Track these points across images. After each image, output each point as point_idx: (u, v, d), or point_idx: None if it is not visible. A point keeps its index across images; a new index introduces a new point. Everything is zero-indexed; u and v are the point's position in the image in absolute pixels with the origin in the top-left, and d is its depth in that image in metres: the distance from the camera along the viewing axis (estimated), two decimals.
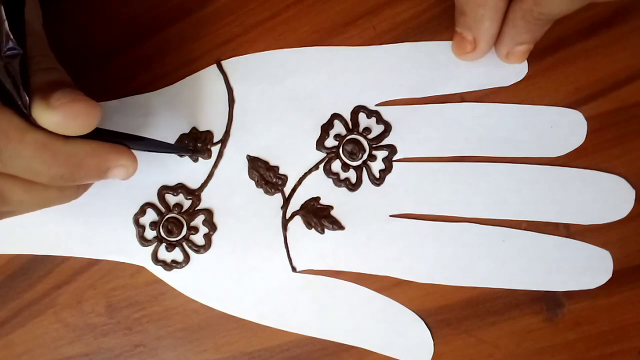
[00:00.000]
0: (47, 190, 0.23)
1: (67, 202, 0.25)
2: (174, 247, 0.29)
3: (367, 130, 0.28)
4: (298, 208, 0.28)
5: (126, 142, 0.24)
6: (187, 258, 0.29)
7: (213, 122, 0.29)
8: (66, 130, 0.21)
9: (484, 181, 0.28)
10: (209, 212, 0.29)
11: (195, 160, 0.29)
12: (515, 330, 0.28)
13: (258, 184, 0.29)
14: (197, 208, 0.29)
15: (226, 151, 0.29)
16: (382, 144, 0.28)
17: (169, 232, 0.29)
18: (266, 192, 0.29)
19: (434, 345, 0.28)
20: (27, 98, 0.20)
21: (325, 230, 0.28)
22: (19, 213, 0.24)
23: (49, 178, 0.22)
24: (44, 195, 0.23)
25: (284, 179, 0.29)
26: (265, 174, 0.29)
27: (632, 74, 0.27)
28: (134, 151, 0.24)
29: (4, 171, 0.21)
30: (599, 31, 0.27)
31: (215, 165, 0.29)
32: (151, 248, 0.29)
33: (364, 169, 0.28)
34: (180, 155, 0.29)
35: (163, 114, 0.29)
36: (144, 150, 0.26)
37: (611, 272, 0.27)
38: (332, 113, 0.28)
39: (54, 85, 0.21)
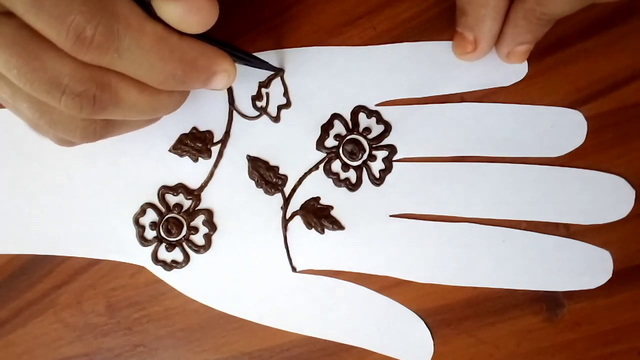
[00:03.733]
0: (159, 94, 0.22)
1: (172, 111, 0.24)
2: (174, 247, 0.29)
3: (367, 130, 0.28)
4: (298, 208, 0.28)
5: (224, 48, 0.23)
6: (187, 258, 0.29)
7: (213, 122, 0.29)
8: (186, 24, 0.20)
9: (484, 181, 0.28)
10: (209, 212, 0.29)
11: (195, 160, 0.29)
12: (515, 330, 0.28)
13: (258, 184, 0.29)
14: (197, 208, 0.29)
15: (226, 151, 0.29)
16: (382, 144, 0.28)
17: (169, 232, 0.29)
18: (266, 192, 0.29)
19: (434, 345, 0.28)
20: None
21: (325, 230, 0.28)
22: (128, 117, 0.23)
23: (163, 77, 0.21)
24: (156, 99, 0.22)
25: (284, 179, 0.29)
26: (265, 174, 0.29)
27: (632, 74, 0.27)
28: None
29: (119, 66, 0.20)
30: (599, 31, 0.27)
31: (215, 165, 0.29)
32: (151, 248, 0.29)
33: (364, 169, 0.28)
34: (180, 155, 0.29)
35: None
36: (236, 62, 0.25)
37: (611, 272, 0.27)
38: (332, 113, 0.28)
39: None
